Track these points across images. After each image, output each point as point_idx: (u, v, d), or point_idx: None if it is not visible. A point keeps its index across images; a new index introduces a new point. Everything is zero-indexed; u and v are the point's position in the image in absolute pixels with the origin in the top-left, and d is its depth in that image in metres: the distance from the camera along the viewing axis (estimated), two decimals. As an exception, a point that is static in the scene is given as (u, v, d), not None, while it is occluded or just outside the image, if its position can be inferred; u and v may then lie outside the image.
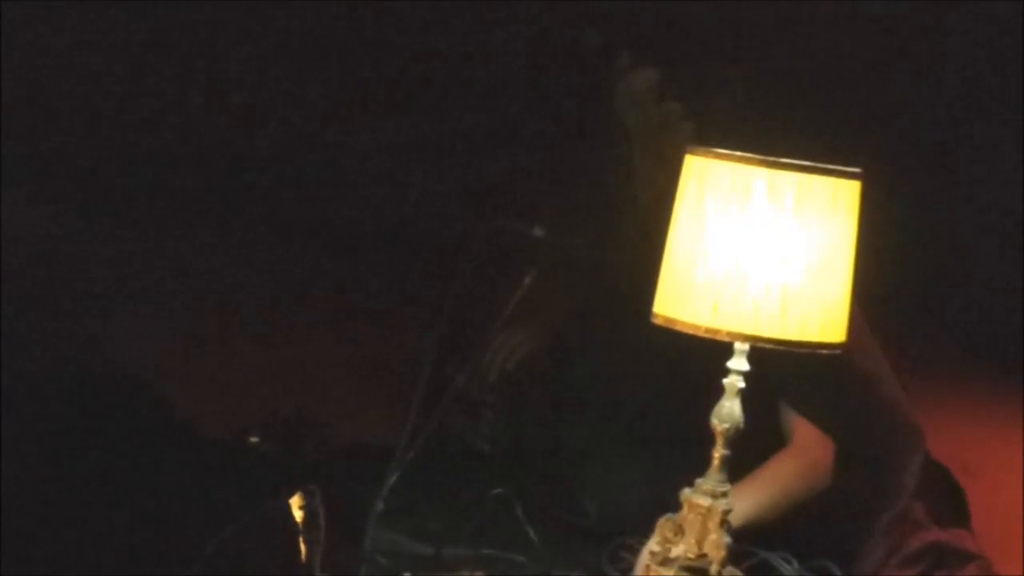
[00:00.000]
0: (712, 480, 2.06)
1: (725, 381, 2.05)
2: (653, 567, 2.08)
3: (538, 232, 2.73)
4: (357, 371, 3.46)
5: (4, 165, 3.29)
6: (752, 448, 2.14)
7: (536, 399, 2.99)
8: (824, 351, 2.04)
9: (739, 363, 2.03)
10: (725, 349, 2.04)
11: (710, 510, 2.05)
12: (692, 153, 2.05)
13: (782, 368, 2.16)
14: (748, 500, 2.34)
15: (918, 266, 3.24)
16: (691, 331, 2.01)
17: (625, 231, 2.76)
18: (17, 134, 3.32)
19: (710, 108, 2.62)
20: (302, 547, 1.93)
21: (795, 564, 2.25)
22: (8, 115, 3.30)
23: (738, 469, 2.15)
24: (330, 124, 3.60)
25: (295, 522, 1.94)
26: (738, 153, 2.00)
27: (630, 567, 2.38)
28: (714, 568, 2.03)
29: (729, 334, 2.00)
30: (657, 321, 2.06)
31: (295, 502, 1.94)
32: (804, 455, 2.56)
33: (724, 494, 2.06)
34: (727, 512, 2.05)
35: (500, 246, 2.80)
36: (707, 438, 2.08)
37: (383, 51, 3.55)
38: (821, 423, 2.58)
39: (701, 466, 2.08)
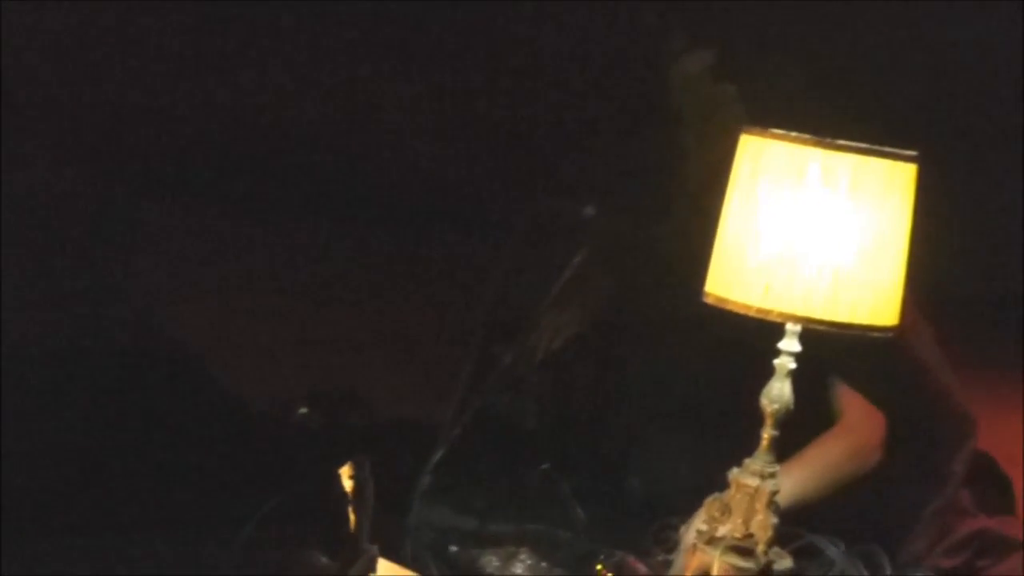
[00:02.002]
0: (760, 460, 2.06)
1: (775, 362, 2.04)
2: (700, 546, 2.08)
3: (589, 212, 2.74)
4: (405, 348, 3.48)
5: (50, 136, 3.31)
6: (799, 429, 2.13)
7: (583, 379, 2.99)
8: (875, 334, 2.03)
9: (790, 344, 2.03)
10: (776, 330, 2.04)
11: (758, 490, 2.05)
12: (747, 133, 2.05)
13: (834, 348, 2.15)
14: (795, 479, 2.34)
15: (973, 255, 3.22)
16: (742, 311, 2.01)
17: (675, 212, 2.75)
18: (69, 109, 3.34)
19: (764, 92, 2.61)
20: (351, 517, 1.94)
21: (842, 547, 2.24)
22: (59, 92, 3.32)
23: (784, 449, 2.15)
24: (376, 102, 3.60)
25: (344, 492, 1.95)
26: (793, 134, 2.00)
27: (676, 546, 2.39)
28: (760, 549, 2.03)
29: (780, 315, 1.99)
30: (708, 301, 2.06)
31: (345, 472, 1.95)
32: (853, 434, 2.55)
33: (772, 475, 2.05)
34: (775, 493, 2.05)
35: (550, 225, 2.80)
36: (756, 418, 2.08)
37: (430, 29, 3.55)
38: (872, 395, 2.57)
39: (749, 446, 2.08)
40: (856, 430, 2.55)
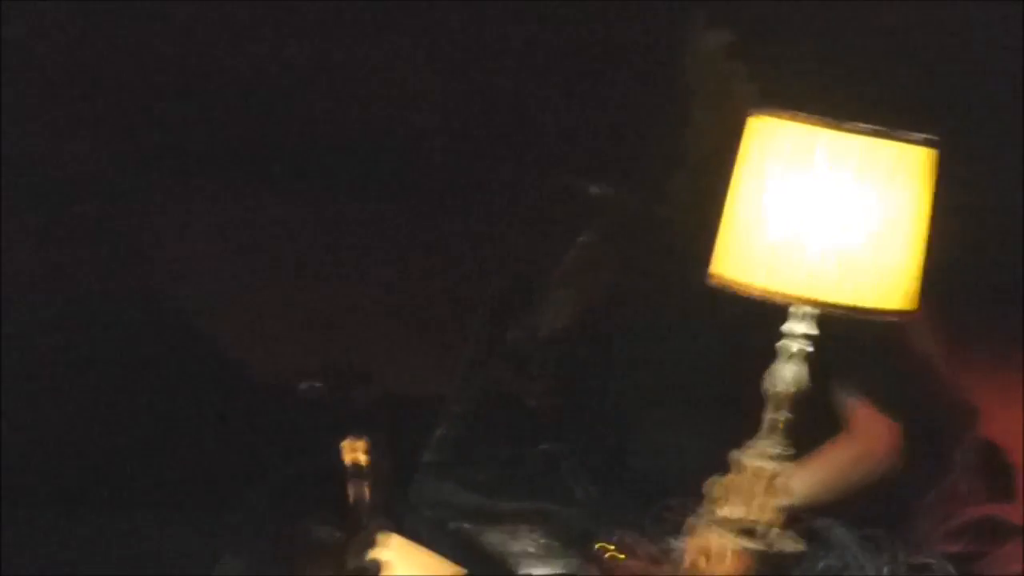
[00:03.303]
0: (761, 443, 2.06)
1: (779, 344, 2.04)
2: (701, 527, 2.08)
3: (595, 190, 2.73)
4: (410, 323, 3.48)
5: (63, 110, 3.32)
6: (802, 435, 2.12)
7: (587, 357, 2.99)
8: (882, 318, 2.03)
9: (793, 327, 2.03)
10: (780, 312, 2.04)
11: (759, 472, 2.05)
12: (755, 114, 2.04)
13: (838, 350, 2.14)
14: (803, 481, 2.34)
15: (980, 243, 3.21)
16: (747, 292, 2.01)
17: (680, 190, 2.75)
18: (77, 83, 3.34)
19: (779, 75, 2.61)
20: (351, 492, 1.95)
21: (843, 530, 2.24)
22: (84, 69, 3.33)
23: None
24: (388, 78, 3.60)
25: (345, 467, 1.96)
26: (801, 115, 1.99)
27: (675, 528, 2.39)
28: (762, 530, 2.03)
29: (784, 297, 1.99)
30: (713, 282, 2.06)
31: (347, 446, 1.95)
32: (864, 442, 2.55)
33: (773, 456, 2.05)
34: (775, 475, 2.05)
35: (557, 203, 2.80)
36: (758, 401, 2.07)
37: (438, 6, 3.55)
38: (881, 400, 2.58)
39: (751, 429, 2.08)
40: (868, 437, 2.55)
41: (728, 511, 2.08)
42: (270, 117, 3.54)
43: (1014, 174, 3.27)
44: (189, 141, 3.46)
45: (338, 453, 1.99)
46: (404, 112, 3.61)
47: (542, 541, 2.40)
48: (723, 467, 2.09)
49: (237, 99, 3.52)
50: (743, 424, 2.10)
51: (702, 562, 2.06)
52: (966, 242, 2.68)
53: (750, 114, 2.06)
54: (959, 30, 3.26)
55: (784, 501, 2.07)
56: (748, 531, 2.05)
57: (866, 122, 1.98)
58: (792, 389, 2.04)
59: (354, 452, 1.96)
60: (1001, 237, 3.28)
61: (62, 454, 2.48)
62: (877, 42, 3.06)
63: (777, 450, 2.06)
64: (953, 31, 3.25)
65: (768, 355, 2.06)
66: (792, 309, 2.02)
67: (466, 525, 2.45)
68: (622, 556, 2.34)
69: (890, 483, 2.63)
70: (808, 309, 2.01)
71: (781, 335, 2.04)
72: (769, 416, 2.06)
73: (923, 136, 1.99)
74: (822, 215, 1.97)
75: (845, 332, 2.16)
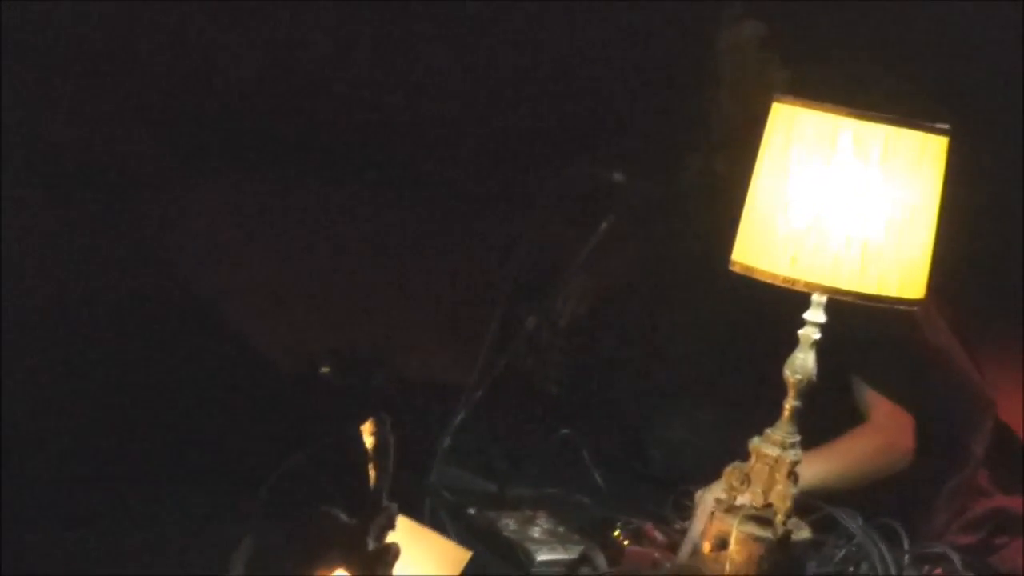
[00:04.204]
0: (782, 430, 2.05)
1: (800, 332, 2.04)
2: (718, 514, 2.08)
3: (618, 177, 2.73)
4: (430, 309, 3.49)
5: (79, 90, 3.33)
6: (822, 426, 2.12)
7: (606, 344, 3.00)
8: (901, 307, 2.02)
9: (815, 315, 2.02)
10: (801, 301, 2.03)
11: (778, 460, 2.04)
12: (780, 101, 2.04)
13: (857, 343, 2.14)
14: (818, 468, 2.34)
15: (996, 231, 3.21)
16: (769, 280, 2.00)
17: (704, 178, 2.75)
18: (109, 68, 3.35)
19: (810, 68, 2.61)
20: (371, 474, 1.94)
21: (860, 520, 2.23)
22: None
23: (806, 443, 2.14)
24: (407, 67, 3.60)
25: (365, 449, 1.95)
26: (826, 103, 1.99)
27: (692, 511, 2.39)
28: (779, 519, 2.03)
29: (807, 285, 1.99)
30: (735, 269, 2.05)
31: (366, 428, 1.94)
32: (882, 434, 2.57)
33: (793, 445, 2.05)
34: (795, 463, 2.05)
35: (579, 190, 2.80)
36: (778, 390, 2.07)
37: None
38: (898, 397, 2.58)
39: (770, 418, 2.08)
40: (886, 430, 2.57)
41: (746, 499, 2.07)
42: (286, 105, 3.55)
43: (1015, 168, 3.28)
44: (203, 130, 3.47)
45: (357, 436, 1.99)
46: (424, 101, 3.61)
47: (559, 528, 2.40)
48: (742, 454, 2.08)
49: (254, 87, 3.53)
50: (763, 413, 2.10)
51: (719, 549, 2.05)
52: (974, 234, 2.69)
53: (775, 100, 2.05)
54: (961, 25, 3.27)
55: (802, 489, 2.07)
56: (766, 519, 2.04)
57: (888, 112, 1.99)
58: (813, 378, 2.04)
59: (374, 434, 1.95)
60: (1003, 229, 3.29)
61: (78, 436, 2.49)
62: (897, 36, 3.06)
63: (796, 438, 2.06)
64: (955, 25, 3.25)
65: (789, 343, 2.06)
66: (814, 297, 2.01)
67: (483, 511, 2.45)
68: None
69: (907, 475, 2.63)
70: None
71: (803, 323, 2.04)
72: (789, 404, 2.05)
73: (942, 125, 1.99)
74: (846, 203, 1.96)
75: (863, 325, 2.16)
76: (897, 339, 2.58)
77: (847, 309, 2.01)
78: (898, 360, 2.61)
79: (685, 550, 2.32)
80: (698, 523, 2.29)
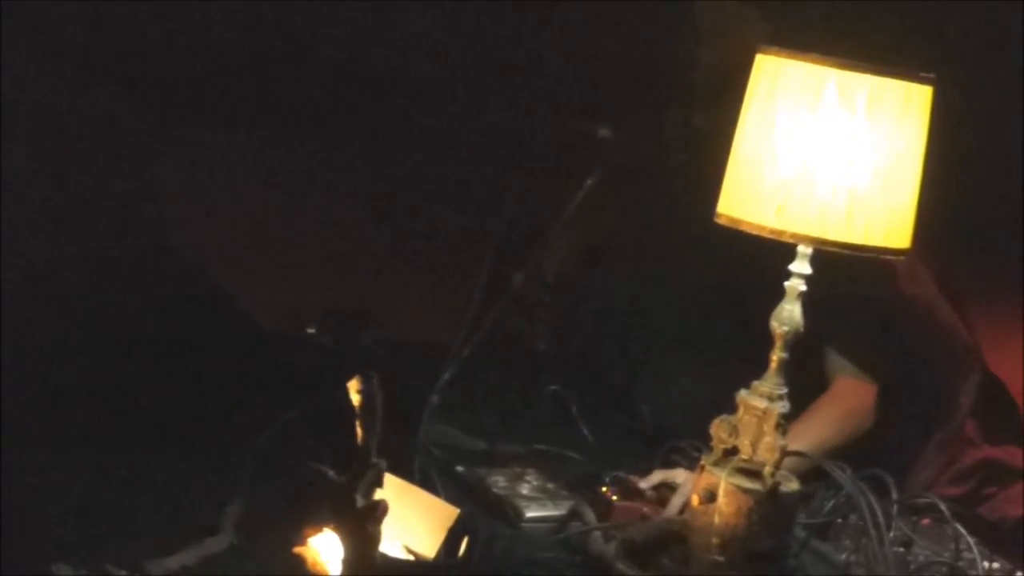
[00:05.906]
0: (769, 382, 2.05)
1: (787, 284, 2.04)
2: (707, 467, 2.08)
3: (603, 133, 2.72)
4: (416, 267, 3.48)
5: (75, 59, 3.31)
6: (795, 396, 2.12)
7: (593, 300, 2.99)
8: (888, 256, 2.03)
9: (801, 266, 2.02)
10: (785, 254, 2.03)
11: (766, 412, 2.05)
12: (764, 52, 2.03)
13: (825, 310, 2.14)
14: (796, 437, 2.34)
15: (981, 182, 3.21)
16: (755, 232, 2.00)
17: (685, 131, 2.74)
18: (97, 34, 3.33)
19: (790, 17, 2.60)
20: (358, 431, 1.94)
21: (848, 472, 2.24)
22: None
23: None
24: (392, 25, 3.58)
25: (352, 406, 1.95)
26: (810, 54, 1.98)
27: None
28: (767, 471, 2.03)
29: (793, 236, 1.98)
30: (721, 221, 2.05)
31: (353, 386, 1.94)
32: (840, 402, 2.58)
33: (781, 396, 2.05)
34: (783, 415, 2.05)
35: (564, 146, 2.79)
36: (764, 344, 2.07)
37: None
38: (867, 364, 2.59)
39: (756, 372, 2.08)
40: (844, 397, 2.59)
41: (734, 451, 2.08)
42: (277, 65, 3.53)
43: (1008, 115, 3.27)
44: (190, 87, 3.45)
45: (345, 393, 1.98)
46: (409, 57, 3.59)
47: (548, 484, 2.41)
48: (730, 408, 2.08)
49: (241, 45, 3.51)
50: (749, 368, 2.10)
51: (708, 501, 2.06)
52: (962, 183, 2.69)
53: (759, 51, 2.04)
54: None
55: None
56: (753, 471, 2.05)
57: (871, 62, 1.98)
58: (800, 329, 2.04)
59: (360, 392, 1.95)
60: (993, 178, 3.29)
61: (69, 396, 2.48)
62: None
63: (783, 390, 2.06)
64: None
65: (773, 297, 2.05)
66: (800, 248, 2.01)
67: (472, 468, 2.45)
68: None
69: (895, 426, 2.64)
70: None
71: (789, 274, 2.03)
72: (776, 355, 2.05)
73: (927, 74, 1.99)
74: (832, 153, 1.96)
75: (832, 290, 2.16)
76: (867, 299, 2.59)
77: (815, 275, 2.01)
78: (867, 322, 2.61)
79: (675, 504, 2.33)
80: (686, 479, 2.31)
